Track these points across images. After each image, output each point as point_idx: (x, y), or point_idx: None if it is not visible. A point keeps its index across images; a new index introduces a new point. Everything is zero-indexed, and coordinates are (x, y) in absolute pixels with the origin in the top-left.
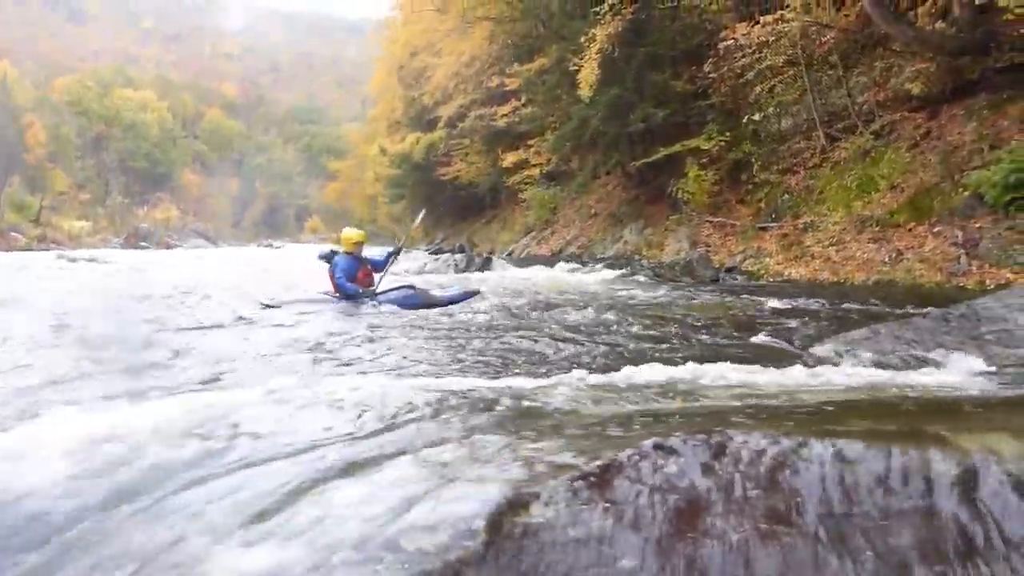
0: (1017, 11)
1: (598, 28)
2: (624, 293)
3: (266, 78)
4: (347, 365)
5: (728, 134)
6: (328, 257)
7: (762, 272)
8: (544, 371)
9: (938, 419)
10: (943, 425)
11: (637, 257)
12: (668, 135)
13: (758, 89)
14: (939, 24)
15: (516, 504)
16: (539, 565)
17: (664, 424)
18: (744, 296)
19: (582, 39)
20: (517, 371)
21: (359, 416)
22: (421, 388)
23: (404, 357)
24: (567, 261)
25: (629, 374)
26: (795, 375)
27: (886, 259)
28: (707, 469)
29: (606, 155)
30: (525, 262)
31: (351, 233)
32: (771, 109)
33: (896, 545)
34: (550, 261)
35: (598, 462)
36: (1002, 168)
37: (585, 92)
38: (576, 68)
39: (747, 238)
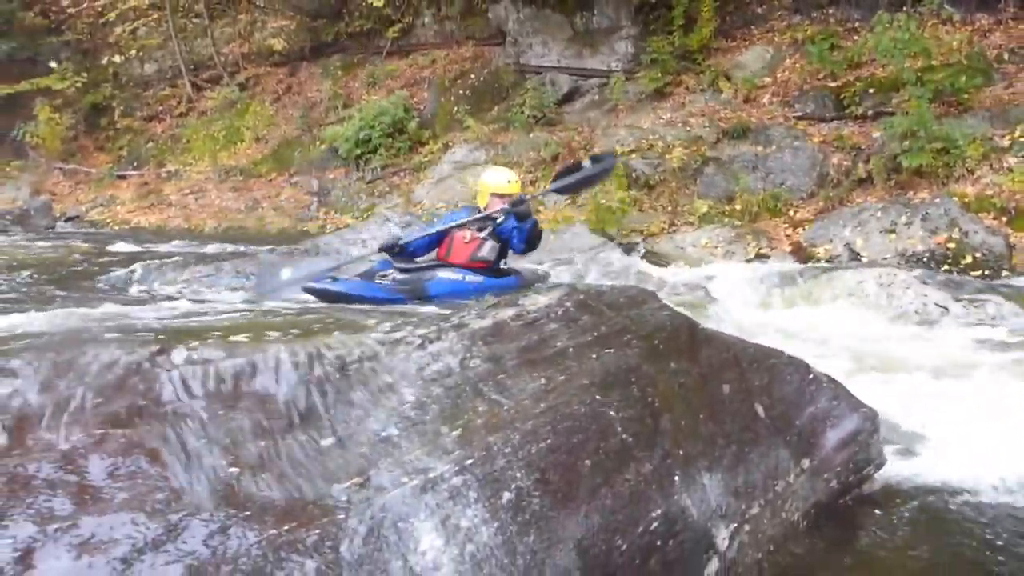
0: None
1: None
2: None
3: None
4: None
5: (86, 75)
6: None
7: (109, 220)
8: None
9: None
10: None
11: None
12: (14, 72)
13: (119, 30)
14: None
15: None
16: None
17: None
18: (83, 243)
19: None
20: None
21: None
22: None
23: None
24: None
25: None
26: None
27: (242, 207)
28: (46, 386)
29: None
30: None
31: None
32: (134, 52)
33: (232, 427)
34: None
35: None
36: (352, 125)
37: None
38: None
39: (102, 186)
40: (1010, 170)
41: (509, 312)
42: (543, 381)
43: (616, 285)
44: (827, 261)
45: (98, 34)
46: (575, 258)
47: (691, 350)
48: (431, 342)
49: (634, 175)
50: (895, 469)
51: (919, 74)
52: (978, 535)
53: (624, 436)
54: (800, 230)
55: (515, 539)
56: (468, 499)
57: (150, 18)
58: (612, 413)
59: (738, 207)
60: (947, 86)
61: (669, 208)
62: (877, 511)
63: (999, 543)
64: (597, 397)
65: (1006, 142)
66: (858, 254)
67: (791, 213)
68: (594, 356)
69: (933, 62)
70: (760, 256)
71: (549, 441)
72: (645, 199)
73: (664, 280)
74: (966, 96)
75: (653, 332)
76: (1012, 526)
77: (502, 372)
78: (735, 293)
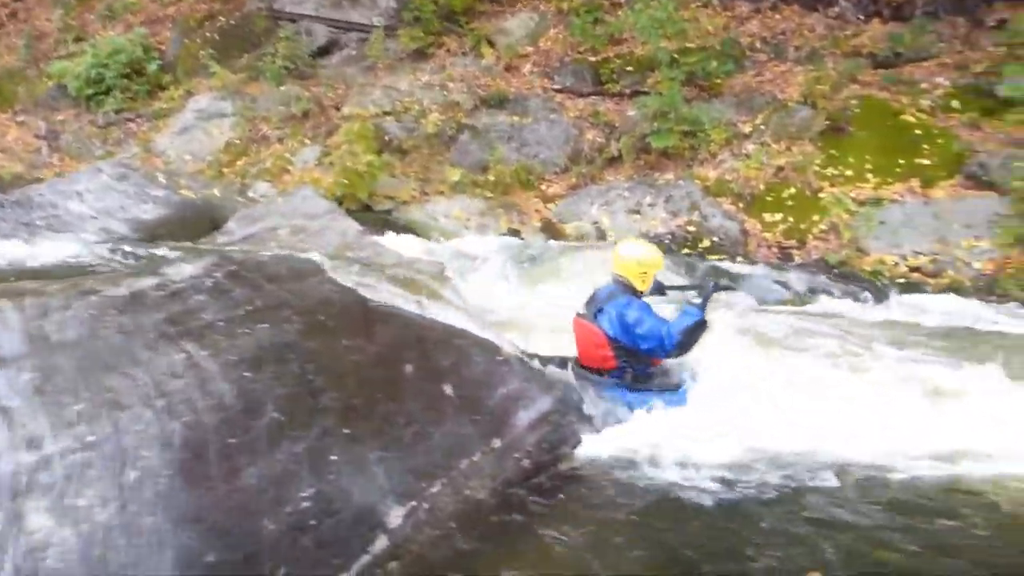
0: None
1: None
2: None
3: None
4: None
5: None
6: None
7: None
8: None
9: None
10: None
11: None
12: None
13: None
14: None
15: None
16: None
17: None
18: None
19: None
20: None
21: None
22: None
23: None
24: None
25: None
26: None
27: None
28: None
29: None
30: None
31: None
32: None
33: None
34: None
35: None
36: (85, 61)
37: None
38: None
39: None
40: (748, 156)
41: (150, 282)
42: (183, 355)
43: (280, 255)
44: (576, 239)
45: None
46: (308, 225)
47: (365, 327)
48: (57, 310)
49: (387, 138)
50: (592, 448)
51: (674, 55)
52: (660, 510)
53: (275, 415)
54: (551, 205)
55: (138, 519)
56: (88, 477)
57: None
58: (263, 390)
59: (491, 178)
60: (699, 70)
61: (421, 175)
62: (569, 488)
63: (676, 522)
64: (245, 374)
65: (747, 128)
66: (605, 233)
67: (543, 188)
68: (246, 331)
69: (689, 44)
70: (512, 231)
71: (186, 419)
72: (397, 164)
73: (401, 254)
74: (717, 81)
75: (316, 307)
76: (689, 506)
77: (139, 345)
78: (477, 269)
